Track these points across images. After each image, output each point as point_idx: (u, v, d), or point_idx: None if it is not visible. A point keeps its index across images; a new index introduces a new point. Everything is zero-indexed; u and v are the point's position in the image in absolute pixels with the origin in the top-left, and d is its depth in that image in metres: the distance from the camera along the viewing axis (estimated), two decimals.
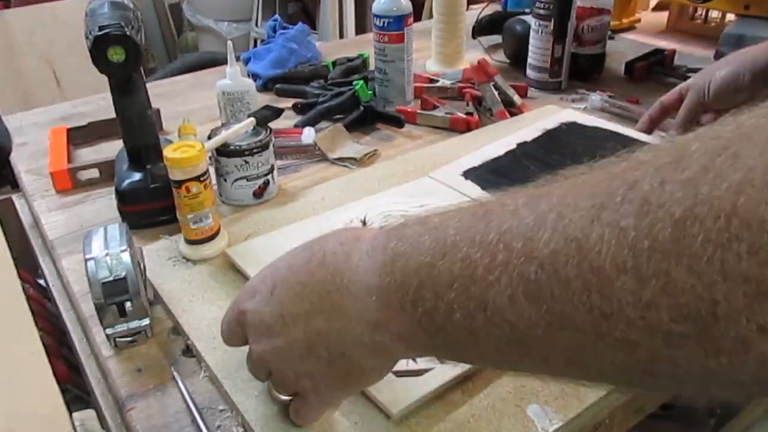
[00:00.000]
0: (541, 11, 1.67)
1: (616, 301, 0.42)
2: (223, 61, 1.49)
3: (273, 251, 0.77)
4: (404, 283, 0.56)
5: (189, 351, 0.91)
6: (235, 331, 0.74)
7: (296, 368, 0.68)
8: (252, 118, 1.21)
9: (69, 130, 1.49)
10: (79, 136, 1.51)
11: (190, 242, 1.06)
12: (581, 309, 0.44)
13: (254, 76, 1.79)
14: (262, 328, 0.69)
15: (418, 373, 0.81)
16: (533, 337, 0.48)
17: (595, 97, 1.63)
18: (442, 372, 0.82)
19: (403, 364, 0.71)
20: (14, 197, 1.40)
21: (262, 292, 0.70)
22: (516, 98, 1.62)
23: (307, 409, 0.74)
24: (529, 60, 1.76)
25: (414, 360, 0.78)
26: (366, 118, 1.54)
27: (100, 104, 1.69)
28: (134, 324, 0.90)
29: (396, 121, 1.52)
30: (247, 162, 1.18)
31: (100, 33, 1.01)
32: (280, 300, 0.68)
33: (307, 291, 0.66)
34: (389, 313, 0.58)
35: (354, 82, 1.57)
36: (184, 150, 1.00)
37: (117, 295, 0.87)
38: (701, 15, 2.23)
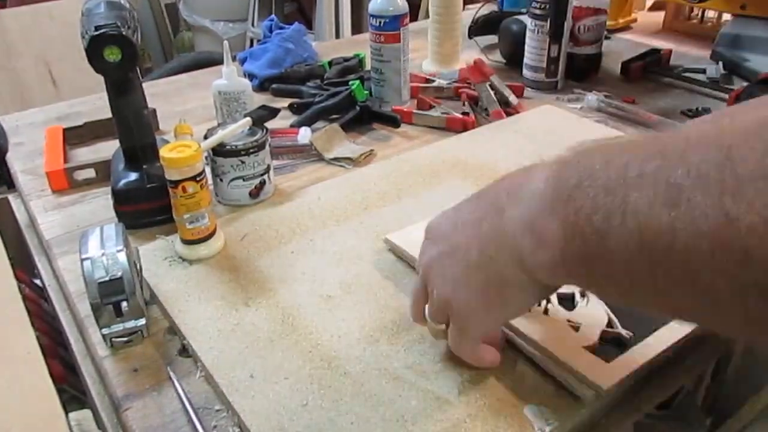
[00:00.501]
0: (537, 11, 1.67)
1: (745, 205, 0.46)
2: (219, 61, 1.48)
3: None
4: (564, 178, 0.62)
5: (185, 351, 0.91)
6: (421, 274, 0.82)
7: (447, 273, 0.76)
8: (248, 118, 1.21)
9: (65, 130, 1.49)
10: (76, 136, 1.51)
11: (187, 242, 1.06)
12: (710, 212, 0.48)
13: (250, 76, 1.79)
14: (437, 235, 0.80)
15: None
16: (658, 245, 0.53)
17: (591, 97, 1.63)
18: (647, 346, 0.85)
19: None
20: (10, 197, 1.40)
21: (444, 219, 0.81)
22: (512, 98, 1.62)
23: (458, 334, 0.80)
24: (525, 60, 1.76)
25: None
26: (362, 118, 1.54)
27: (97, 104, 1.69)
28: (130, 324, 0.90)
29: (392, 121, 1.52)
30: (243, 162, 1.18)
31: (96, 33, 1.01)
32: (460, 212, 0.79)
33: (481, 202, 0.76)
34: (542, 215, 0.64)
35: (350, 82, 1.56)
36: (181, 150, 1.00)
37: (113, 295, 0.87)
38: (697, 15, 2.24)
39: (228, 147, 1.17)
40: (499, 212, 0.71)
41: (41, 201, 1.29)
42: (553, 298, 0.93)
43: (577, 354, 0.83)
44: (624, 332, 0.87)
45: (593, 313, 0.91)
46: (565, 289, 0.93)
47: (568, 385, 0.81)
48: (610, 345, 0.86)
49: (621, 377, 0.80)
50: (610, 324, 0.89)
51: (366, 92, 1.57)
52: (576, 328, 0.88)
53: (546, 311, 0.91)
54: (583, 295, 0.94)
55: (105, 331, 0.89)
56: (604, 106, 1.61)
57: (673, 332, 0.86)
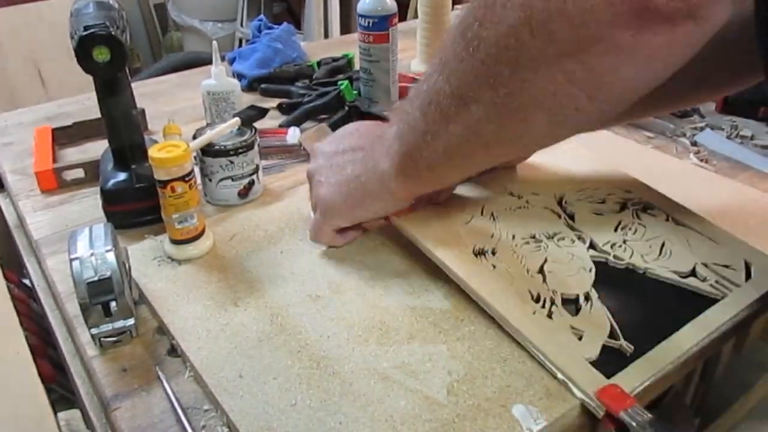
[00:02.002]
0: None
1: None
2: (208, 61, 1.48)
3: (439, 215, 1.06)
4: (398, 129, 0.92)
5: (174, 351, 0.91)
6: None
7: (327, 178, 1.02)
8: (237, 118, 1.21)
9: (54, 130, 1.49)
10: (65, 136, 1.51)
11: (175, 242, 1.06)
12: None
13: (239, 76, 1.79)
14: (325, 153, 1.06)
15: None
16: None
17: None
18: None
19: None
20: None
21: (332, 139, 1.10)
22: None
23: (320, 221, 1.05)
24: None
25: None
26: (351, 118, 1.54)
27: (86, 104, 1.69)
28: (119, 324, 0.90)
29: (381, 121, 1.52)
30: (232, 162, 1.18)
31: (85, 33, 1.01)
32: (342, 142, 1.06)
33: (361, 141, 1.03)
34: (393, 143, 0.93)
35: (339, 83, 1.57)
36: (169, 150, 1.00)
37: (102, 295, 0.87)
38: None
39: (217, 147, 1.17)
40: (372, 156, 0.98)
41: (30, 201, 1.28)
42: (558, 300, 0.93)
43: (579, 367, 0.83)
44: (625, 344, 0.86)
45: (596, 320, 0.90)
46: (568, 290, 0.94)
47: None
48: (610, 355, 0.85)
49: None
50: (612, 333, 0.88)
51: (355, 92, 1.57)
52: (579, 337, 0.87)
53: (550, 315, 0.90)
54: (587, 299, 0.94)
55: (94, 331, 0.89)
56: None
57: (674, 346, 0.86)
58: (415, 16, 1.95)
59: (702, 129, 1.49)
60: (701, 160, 1.38)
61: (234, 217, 1.17)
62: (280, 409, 0.79)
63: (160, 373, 0.87)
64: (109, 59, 1.03)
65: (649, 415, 0.75)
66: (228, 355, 0.87)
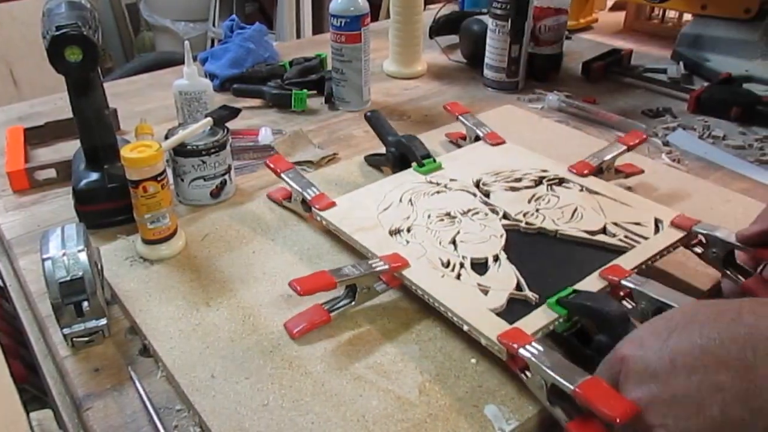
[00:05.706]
0: (498, 11, 1.68)
1: None
2: (180, 61, 1.48)
3: (359, 207, 1.11)
4: None
5: (146, 351, 0.91)
6: (610, 373, 0.70)
7: (673, 424, 0.63)
8: (209, 118, 1.21)
9: (26, 130, 1.48)
10: (37, 136, 1.50)
11: (148, 242, 1.06)
12: None
13: (211, 76, 1.78)
14: (643, 373, 0.66)
15: None
16: None
17: (552, 97, 1.65)
18: None
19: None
20: None
21: (653, 340, 0.67)
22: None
23: None
24: (486, 60, 1.77)
25: None
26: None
27: (58, 104, 1.68)
28: (91, 324, 0.90)
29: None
30: (204, 162, 1.18)
31: (57, 33, 1.01)
32: (675, 348, 0.64)
33: (712, 344, 0.62)
34: None
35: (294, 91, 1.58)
36: (141, 150, 1.00)
37: (74, 295, 0.87)
38: (658, 15, 2.26)
39: (189, 147, 1.17)
40: (746, 369, 0.60)
41: (2, 201, 1.28)
42: (467, 264, 0.97)
43: (483, 316, 0.86)
44: (530, 294, 0.91)
45: (503, 277, 0.95)
46: (478, 254, 0.99)
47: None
48: (517, 305, 0.90)
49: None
50: (519, 287, 0.93)
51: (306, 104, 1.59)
52: (485, 292, 0.91)
53: (459, 277, 0.95)
54: (495, 260, 0.99)
55: (66, 330, 0.89)
56: (564, 106, 1.63)
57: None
58: (388, 16, 1.96)
59: (674, 129, 1.51)
60: (673, 160, 1.39)
61: (206, 217, 1.17)
62: (252, 409, 0.79)
63: (132, 373, 0.87)
64: (81, 59, 1.03)
65: (546, 348, 0.78)
66: (200, 355, 0.87)
